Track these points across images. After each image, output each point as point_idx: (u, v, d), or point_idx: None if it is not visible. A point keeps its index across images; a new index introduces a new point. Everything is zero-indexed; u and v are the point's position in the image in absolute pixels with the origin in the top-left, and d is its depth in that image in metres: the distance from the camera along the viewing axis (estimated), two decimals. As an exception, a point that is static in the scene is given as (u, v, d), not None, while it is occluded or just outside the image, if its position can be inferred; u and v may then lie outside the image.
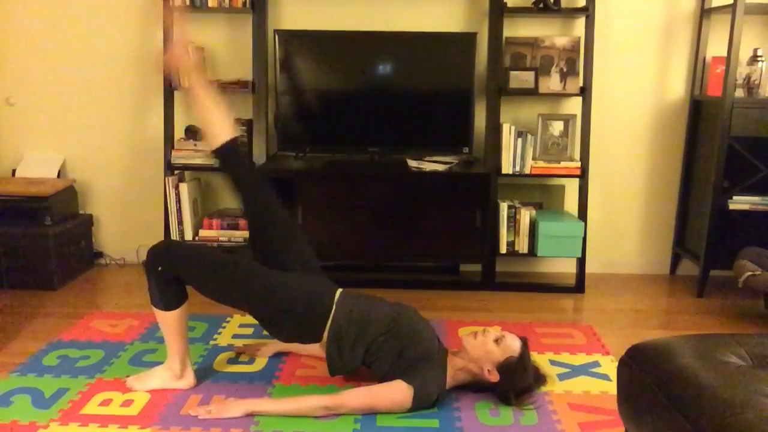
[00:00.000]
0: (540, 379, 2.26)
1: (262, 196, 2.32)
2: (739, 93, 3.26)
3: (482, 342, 2.16)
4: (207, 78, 2.33)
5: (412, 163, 3.27)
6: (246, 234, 3.40)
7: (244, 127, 3.38)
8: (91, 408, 2.14)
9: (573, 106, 3.46)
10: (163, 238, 3.37)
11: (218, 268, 2.15)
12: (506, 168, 3.30)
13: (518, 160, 3.29)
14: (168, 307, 2.16)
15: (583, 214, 3.37)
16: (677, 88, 3.54)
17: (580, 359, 2.58)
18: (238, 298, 2.17)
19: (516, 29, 3.42)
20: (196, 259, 2.15)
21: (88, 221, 3.65)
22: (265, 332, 2.29)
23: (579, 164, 3.31)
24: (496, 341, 2.16)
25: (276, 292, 2.15)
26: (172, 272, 2.12)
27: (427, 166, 3.25)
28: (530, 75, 3.31)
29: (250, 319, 2.84)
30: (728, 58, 3.10)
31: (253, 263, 2.20)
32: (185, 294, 2.20)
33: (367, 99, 3.37)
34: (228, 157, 2.27)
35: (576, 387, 2.35)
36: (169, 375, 2.26)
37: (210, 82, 3.39)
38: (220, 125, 2.26)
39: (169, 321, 2.18)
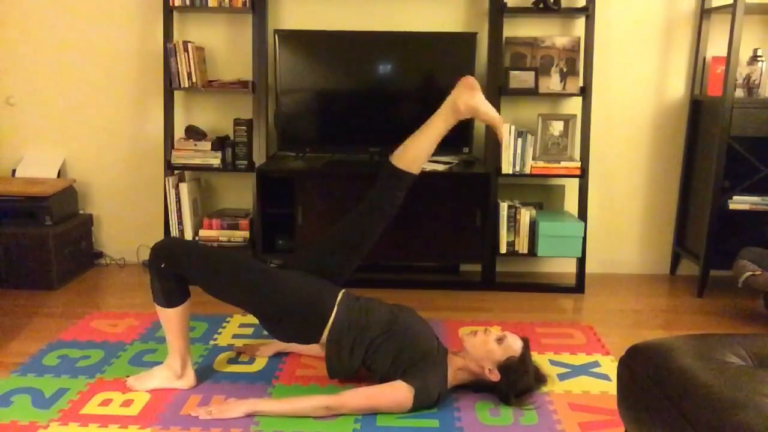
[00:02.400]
0: (540, 379, 2.26)
1: (381, 221, 2.35)
2: (739, 93, 3.26)
3: (483, 341, 2.17)
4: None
5: (412, 163, 3.27)
6: (246, 234, 3.40)
7: (243, 127, 3.39)
8: (91, 408, 2.14)
9: (573, 106, 3.46)
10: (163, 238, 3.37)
11: (221, 266, 2.15)
12: (506, 168, 3.30)
13: (518, 160, 3.29)
14: (170, 303, 2.17)
15: (583, 214, 3.37)
16: (677, 88, 3.54)
17: (580, 359, 2.58)
18: (240, 295, 2.17)
19: (516, 29, 3.42)
20: (199, 257, 2.15)
21: (88, 221, 3.65)
22: (265, 332, 2.29)
23: (579, 164, 3.31)
24: (498, 341, 2.16)
25: (278, 291, 2.15)
26: (175, 269, 2.13)
27: (427, 166, 3.24)
28: (530, 75, 3.31)
29: (250, 319, 2.85)
30: (728, 58, 3.10)
31: (255, 261, 2.21)
32: (187, 291, 2.20)
33: (368, 99, 3.37)
34: (399, 181, 2.31)
35: (576, 387, 2.35)
36: (169, 374, 2.26)
37: (210, 81, 3.41)
38: (425, 157, 2.34)
39: (170, 318, 2.19)
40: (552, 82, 3.36)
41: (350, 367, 2.20)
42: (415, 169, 2.32)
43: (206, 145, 3.40)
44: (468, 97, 2.30)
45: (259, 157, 3.41)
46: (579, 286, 3.39)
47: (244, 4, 3.28)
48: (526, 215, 3.30)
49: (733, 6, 3.07)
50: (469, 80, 2.31)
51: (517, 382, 2.16)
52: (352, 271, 2.36)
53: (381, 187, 2.33)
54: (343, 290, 2.28)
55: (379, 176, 2.34)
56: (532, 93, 3.33)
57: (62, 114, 3.63)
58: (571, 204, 3.52)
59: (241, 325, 2.84)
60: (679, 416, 1.32)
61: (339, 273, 2.32)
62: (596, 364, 2.54)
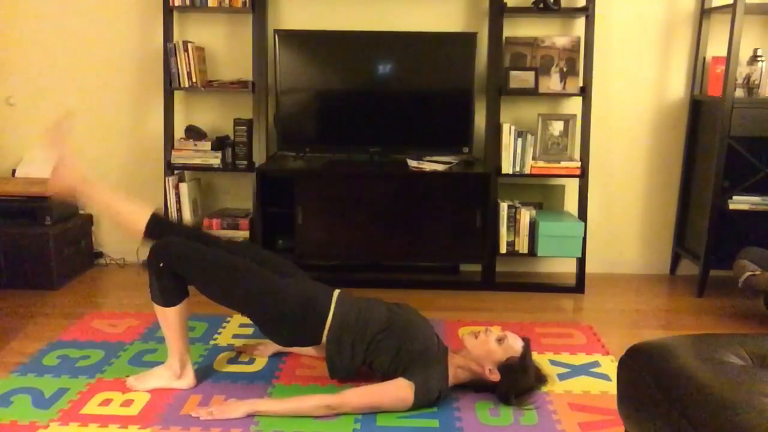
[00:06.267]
0: (541, 379, 2.26)
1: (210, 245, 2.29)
2: (739, 93, 3.26)
3: (484, 341, 2.17)
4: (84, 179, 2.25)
5: (412, 163, 3.27)
6: (246, 234, 3.40)
7: (243, 127, 3.39)
8: (91, 408, 2.14)
9: (573, 106, 3.46)
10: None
11: (219, 269, 2.15)
12: (506, 168, 3.30)
13: (518, 160, 3.29)
14: (168, 303, 2.17)
15: (583, 214, 3.37)
16: (677, 88, 3.54)
17: (580, 359, 2.58)
18: (237, 299, 2.17)
19: (516, 29, 3.42)
20: (198, 259, 2.15)
21: (88, 221, 3.65)
22: (265, 333, 2.29)
23: (579, 164, 3.31)
24: (498, 341, 2.16)
25: (275, 295, 2.15)
26: (173, 269, 2.13)
27: (427, 166, 3.25)
28: (530, 75, 3.31)
29: (250, 319, 2.85)
30: (728, 58, 3.10)
31: (253, 265, 2.20)
32: (186, 291, 2.20)
33: (367, 99, 3.37)
34: (159, 232, 2.24)
35: (576, 387, 2.35)
36: (169, 374, 2.26)
37: (209, 81, 3.41)
38: (134, 210, 2.25)
39: (168, 317, 2.19)
40: (552, 82, 3.36)
41: (351, 365, 2.20)
42: (146, 218, 2.24)
43: (206, 145, 3.40)
44: (67, 188, 2.23)
45: (259, 157, 3.41)
46: (579, 286, 3.39)
47: (244, 4, 3.28)
48: (526, 215, 3.30)
49: (733, 6, 3.07)
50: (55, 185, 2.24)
51: (517, 383, 2.16)
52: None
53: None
54: (338, 290, 2.28)
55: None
56: (532, 93, 3.33)
57: (62, 114, 3.63)
58: (571, 204, 3.52)
59: (241, 325, 2.84)
60: (679, 416, 1.32)
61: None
62: (596, 364, 2.54)
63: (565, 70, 3.35)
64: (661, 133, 3.59)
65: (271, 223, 3.33)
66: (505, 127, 3.27)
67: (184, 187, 3.39)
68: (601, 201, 3.65)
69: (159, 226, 2.27)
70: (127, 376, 2.32)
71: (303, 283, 2.26)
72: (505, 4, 3.25)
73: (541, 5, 3.25)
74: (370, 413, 2.12)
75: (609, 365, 2.52)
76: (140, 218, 2.25)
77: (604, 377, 2.43)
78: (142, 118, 3.62)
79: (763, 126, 3.16)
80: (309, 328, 2.18)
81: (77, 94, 3.60)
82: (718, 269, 3.35)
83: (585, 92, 3.31)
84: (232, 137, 3.44)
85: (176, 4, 3.31)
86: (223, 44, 3.52)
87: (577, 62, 3.34)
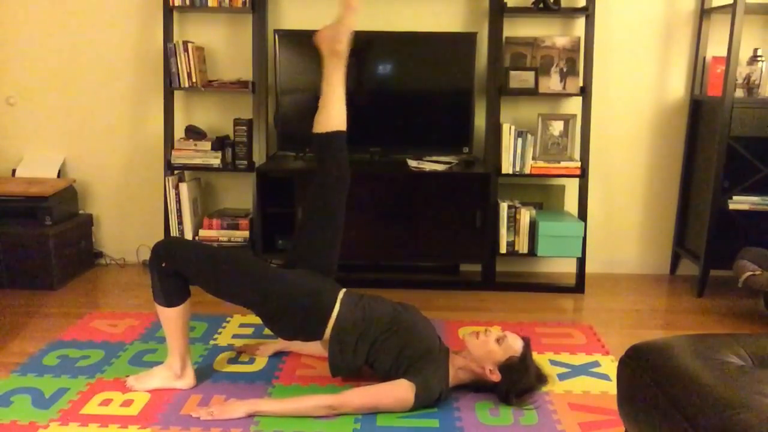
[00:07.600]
0: (541, 379, 2.26)
1: (338, 186, 2.32)
2: (739, 93, 3.26)
3: (484, 342, 2.17)
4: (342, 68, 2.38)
5: (412, 163, 3.27)
6: (246, 234, 3.41)
7: (243, 127, 3.39)
8: (91, 408, 2.14)
9: (573, 106, 3.46)
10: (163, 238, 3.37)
11: (222, 265, 2.15)
12: (506, 168, 3.30)
13: (518, 160, 3.29)
14: (170, 303, 2.17)
15: (583, 214, 3.37)
16: (677, 88, 3.54)
17: (580, 359, 2.58)
18: (242, 294, 2.17)
19: (516, 29, 3.42)
20: (200, 256, 2.15)
21: (88, 221, 3.65)
22: (265, 331, 2.29)
23: (579, 164, 3.31)
24: (498, 341, 2.16)
25: (279, 289, 2.16)
26: (176, 268, 2.13)
27: (427, 166, 3.25)
28: (530, 75, 3.31)
29: (250, 319, 2.85)
30: (728, 58, 3.10)
31: (256, 260, 2.21)
32: (188, 291, 2.20)
33: (368, 99, 3.37)
34: (328, 145, 2.30)
35: (576, 387, 2.35)
36: (169, 374, 2.26)
37: (209, 81, 3.41)
38: (338, 112, 2.30)
39: (170, 318, 2.19)
40: (552, 82, 3.36)
41: (353, 364, 2.20)
42: (338, 126, 2.31)
43: (206, 145, 3.40)
44: (331, 42, 2.36)
45: (259, 157, 3.41)
46: (579, 286, 3.39)
47: (244, 4, 3.28)
48: (526, 215, 3.30)
49: (733, 6, 3.07)
50: (321, 34, 2.41)
51: (517, 383, 2.16)
52: (337, 254, 2.35)
53: (320, 158, 2.35)
54: (345, 289, 2.28)
55: (315, 151, 2.38)
56: (532, 93, 3.33)
57: (62, 114, 3.63)
58: (571, 204, 3.52)
59: (241, 325, 2.84)
60: (679, 416, 1.32)
61: (326, 259, 2.32)
62: (596, 364, 2.54)
63: (565, 70, 3.35)
64: (661, 133, 3.59)
65: (271, 223, 3.33)
66: (505, 127, 3.27)
67: (184, 187, 3.39)
68: (601, 201, 3.65)
69: (335, 141, 2.32)
70: (127, 376, 2.32)
71: (310, 277, 2.25)
72: (505, 4, 3.25)
73: (541, 5, 3.26)
74: (371, 413, 2.12)
75: (609, 365, 2.52)
76: (333, 122, 2.31)
77: (604, 377, 2.43)
78: (142, 118, 3.62)
79: (763, 126, 3.17)
80: (312, 322, 2.18)
81: (77, 94, 3.60)
82: (718, 269, 3.35)
83: (585, 92, 3.31)
84: (232, 137, 3.44)
85: (176, 4, 3.31)
86: (223, 44, 3.52)
87: (577, 62, 3.34)
